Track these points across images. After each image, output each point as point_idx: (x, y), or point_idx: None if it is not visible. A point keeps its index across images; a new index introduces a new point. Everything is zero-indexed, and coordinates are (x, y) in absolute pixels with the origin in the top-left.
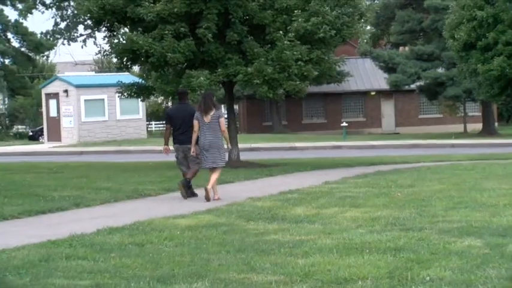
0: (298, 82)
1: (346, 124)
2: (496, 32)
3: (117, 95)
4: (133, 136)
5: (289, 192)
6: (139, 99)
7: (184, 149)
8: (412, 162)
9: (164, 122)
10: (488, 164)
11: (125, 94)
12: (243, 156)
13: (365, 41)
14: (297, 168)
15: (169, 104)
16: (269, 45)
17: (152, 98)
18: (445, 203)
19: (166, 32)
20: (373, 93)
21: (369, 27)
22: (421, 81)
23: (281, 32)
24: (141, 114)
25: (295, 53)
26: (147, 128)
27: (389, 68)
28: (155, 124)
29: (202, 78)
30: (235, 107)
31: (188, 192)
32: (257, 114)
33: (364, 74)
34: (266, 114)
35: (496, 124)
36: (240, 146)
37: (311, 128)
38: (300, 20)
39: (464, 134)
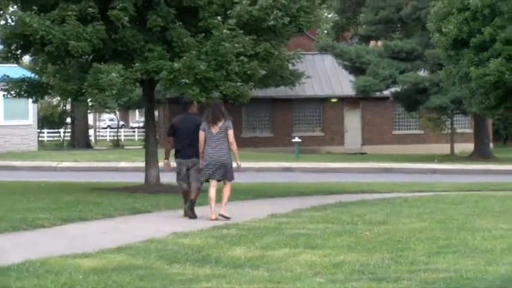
0: (239, 83)
1: (299, 140)
2: (494, 26)
3: (1, 93)
4: (20, 148)
5: (225, 227)
6: (31, 100)
7: (189, 164)
8: (383, 191)
9: (167, 133)
10: (482, 196)
11: (12, 93)
12: (164, 179)
13: (325, 32)
14: (235, 196)
15: (68, 106)
16: (203, 35)
17: (46, 98)
18: (428, 246)
19: (69, 13)
20: (334, 100)
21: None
22: (397, 87)
23: (219, 17)
24: (31, 119)
25: (236, 45)
26: (38, 137)
27: (356, 68)
28: (48, 132)
29: (114, 74)
30: (156, 113)
31: (191, 213)
32: None
33: (323, 75)
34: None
35: (492, 145)
36: (161, 164)
37: (253, 144)
38: (244, 2)
39: (451, 157)
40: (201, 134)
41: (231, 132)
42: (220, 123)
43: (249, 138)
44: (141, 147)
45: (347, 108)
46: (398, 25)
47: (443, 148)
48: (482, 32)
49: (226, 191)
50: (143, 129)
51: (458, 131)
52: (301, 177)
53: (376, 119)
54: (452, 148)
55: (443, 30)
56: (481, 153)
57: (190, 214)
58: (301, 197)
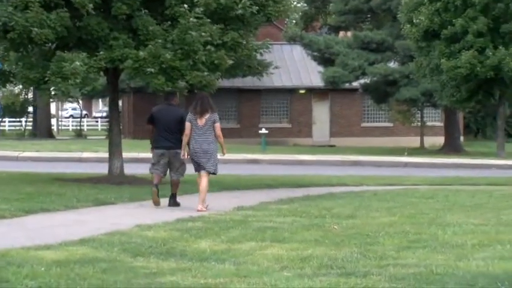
0: (206, 73)
1: (266, 131)
2: (465, 18)
3: None
4: None
5: (191, 220)
6: None
7: (171, 155)
8: (352, 184)
9: (146, 121)
10: (452, 190)
11: None
12: (128, 170)
13: (294, 22)
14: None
15: (30, 95)
16: (169, 23)
17: (8, 87)
18: (397, 240)
19: None
20: (302, 91)
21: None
22: (367, 78)
23: (186, 5)
24: None
25: (203, 34)
26: None
27: (325, 59)
28: (10, 122)
29: (78, 63)
30: (119, 102)
31: (171, 202)
32: (147, 114)
33: (291, 65)
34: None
35: (462, 138)
36: (125, 155)
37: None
38: None
39: (421, 150)
40: (187, 125)
41: (218, 126)
42: (207, 116)
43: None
44: (104, 137)
45: (315, 99)
46: (369, 15)
47: (413, 141)
48: (453, 23)
49: (205, 185)
50: (107, 119)
51: (429, 124)
52: (268, 169)
53: (345, 111)
54: (422, 141)
55: (414, 21)
56: (451, 147)
57: (173, 203)
58: (268, 190)
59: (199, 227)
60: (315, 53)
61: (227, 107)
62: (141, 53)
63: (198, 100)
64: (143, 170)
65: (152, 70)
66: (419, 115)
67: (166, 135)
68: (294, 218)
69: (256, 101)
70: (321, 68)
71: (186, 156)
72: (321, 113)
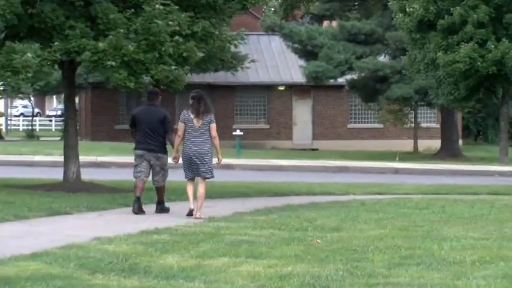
0: (173, 67)
1: (241, 133)
2: (465, 6)
3: None
4: None
5: (156, 232)
6: None
7: (152, 158)
8: (337, 193)
9: (129, 124)
10: (449, 200)
11: None
12: (86, 175)
13: (273, 9)
14: (167, 196)
15: None
16: (132, 10)
17: None
18: (388, 256)
19: None
20: (281, 88)
21: None
22: (354, 74)
23: None
24: None
25: (170, 23)
26: None
27: (307, 51)
28: None
29: (30, 54)
30: (76, 99)
31: (158, 208)
32: (107, 113)
33: (269, 59)
34: (121, 114)
35: (461, 142)
36: (82, 159)
37: None
38: None
39: (415, 155)
40: (181, 126)
41: (214, 126)
42: (204, 116)
43: None
44: (59, 138)
45: (296, 97)
46: (356, 3)
47: (406, 145)
48: (451, 12)
49: (202, 191)
50: (61, 118)
51: (423, 125)
52: (243, 175)
53: (330, 111)
54: (415, 145)
55: (407, 9)
56: (448, 151)
57: (137, 210)
58: (243, 199)
59: (165, 240)
60: (296, 45)
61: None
62: (100, 44)
63: (197, 99)
64: (102, 175)
65: (113, 63)
66: (412, 115)
67: (148, 138)
68: (272, 231)
69: (229, 99)
70: (302, 62)
71: (177, 161)
72: (302, 112)
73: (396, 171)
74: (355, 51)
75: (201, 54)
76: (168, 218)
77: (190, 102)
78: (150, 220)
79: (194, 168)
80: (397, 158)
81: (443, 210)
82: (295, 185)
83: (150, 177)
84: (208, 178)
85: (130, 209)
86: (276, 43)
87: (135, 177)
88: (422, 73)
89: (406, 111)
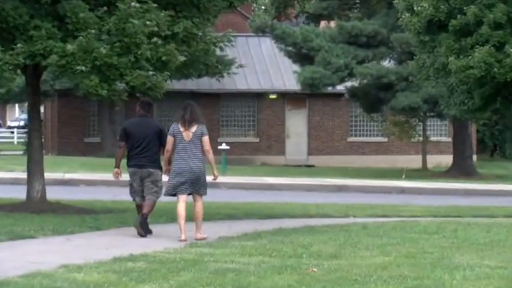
0: (151, 72)
1: (227, 147)
2: (479, 5)
3: None
4: None
5: (131, 259)
6: None
7: (144, 174)
8: (336, 215)
9: (119, 138)
10: (462, 224)
11: None
12: (52, 194)
13: (263, 8)
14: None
15: None
16: (105, 9)
17: None
18: (393, 287)
19: None
20: (273, 96)
21: None
22: (355, 81)
23: None
24: None
25: (148, 22)
26: None
27: (302, 55)
28: None
29: None
30: (41, 109)
31: (145, 229)
32: (76, 124)
33: (260, 63)
34: (91, 125)
35: (475, 158)
36: (47, 176)
37: None
38: None
39: (423, 172)
40: (170, 140)
41: (207, 139)
42: (195, 128)
43: None
44: (21, 152)
45: (290, 107)
46: (357, 1)
47: (413, 161)
48: (464, 12)
49: (200, 209)
50: (25, 130)
51: (433, 139)
52: (229, 195)
53: (327, 122)
54: (424, 161)
55: (415, 8)
56: (461, 168)
57: (141, 231)
58: (229, 221)
59: (141, 268)
60: (289, 48)
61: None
62: (69, 47)
63: (184, 109)
64: (70, 194)
65: (83, 68)
66: (420, 128)
67: (141, 152)
68: (262, 258)
69: (214, 109)
70: (296, 67)
71: (167, 173)
72: (296, 124)
73: (402, 190)
74: (356, 55)
75: (182, 58)
76: (145, 242)
77: (180, 112)
78: (125, 245)
79: (186, 185)
80: (404, 176)
81: (455, 234)
82: (289, 206)
83: None
84: (202, 195)
85: (100, 232)
86: (267, 46)
87: (133, 198)
88: (432, 80)
89: (413, 123)
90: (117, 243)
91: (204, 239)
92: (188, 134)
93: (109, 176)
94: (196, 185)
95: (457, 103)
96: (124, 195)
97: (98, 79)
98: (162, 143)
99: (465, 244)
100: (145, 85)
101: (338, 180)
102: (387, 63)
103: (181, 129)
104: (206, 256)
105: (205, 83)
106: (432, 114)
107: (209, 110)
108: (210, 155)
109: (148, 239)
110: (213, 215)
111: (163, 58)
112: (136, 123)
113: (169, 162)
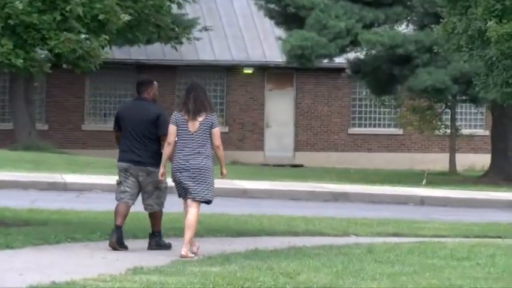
0: (83, 36)
1: None
2: None
3: None
4: None
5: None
6: None
7: (140, 174)
8: (331, 233)
9: (113, 127)
10: (502, 247)
11: None
12: None
13: None
14: (71, 234)
15: None
16: None
17: None
18: None
19: None
20: (248, 70)
21: None
22: (360, 51)
23: None
24: None
25: None
26: None
27: (288, 15)
28: None
29: None
30: None
31: (153, 243)
32: None
33: (230, 26)
34: (1, 106)
35: None
36: None
37: (104, 141)
38: None
39: (451, 176)
40: (172, 130)
41: (217, 131)
42: (202, 117)
43: (97, 133)
44: None
45: (271, 86)
46: None
47: (437, 161)
48: None
49: (193, 218)
50: None
51: (464, 132)
52: None
53: (321, 107)
54: (452, 161)
55: None
56: (502, 172)
57: (116, 246)
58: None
59: None
60: (272, 6)
61: (119, 95)
62: None
63: (188, 93)
64: None
65: None
66: (448, 117)
67: (134, 145)
68: None
69: (169, 86)
70: (281, 32)
71: (163, 178)
72: (279, 108)
73: (422, 201)
74: (363, 16)
75: (126, 18)
76: (72, 265)
77: (183, 97)
78: (45, 269)
79: (188, 187)
80: (424, 181)
81: (492, 261)
82: (267, 219)
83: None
84: (204, 202)
85: (11, 252)
86: (241, 2)
87: (117, 200)
88: (465, 52)
89: (438, 110)
90: (35, 267)
91: (188, 257)
92: (195, 125)
93: (25, 176)
94: (194, 187)
95: (497, 83)
96: (44, 202)
97: (12, 44)
98: (160, 133)
99: (506, 274)
100: (75, 53)
101: (335, 186)
102: (404, 29)
103: (186, 117)
104: (155, 286)
105: (156, 52)
106: (464, 98)
107: (162, 88)
108: (220, 151)
109: (74, 262)
110: (165, 230)
111: (100, 17)
112: (130, 107)
113: (170, 159)
